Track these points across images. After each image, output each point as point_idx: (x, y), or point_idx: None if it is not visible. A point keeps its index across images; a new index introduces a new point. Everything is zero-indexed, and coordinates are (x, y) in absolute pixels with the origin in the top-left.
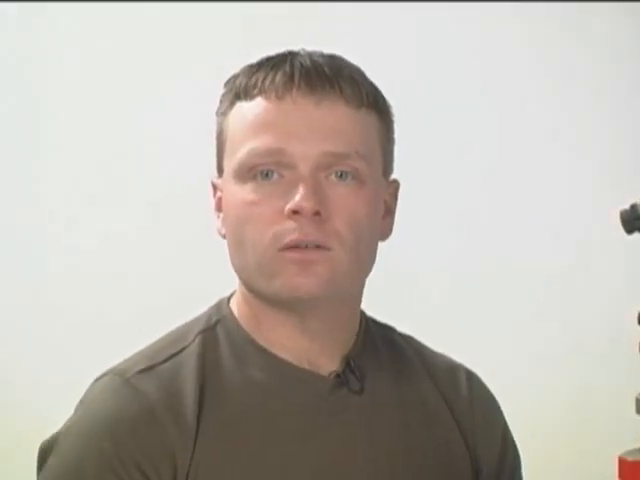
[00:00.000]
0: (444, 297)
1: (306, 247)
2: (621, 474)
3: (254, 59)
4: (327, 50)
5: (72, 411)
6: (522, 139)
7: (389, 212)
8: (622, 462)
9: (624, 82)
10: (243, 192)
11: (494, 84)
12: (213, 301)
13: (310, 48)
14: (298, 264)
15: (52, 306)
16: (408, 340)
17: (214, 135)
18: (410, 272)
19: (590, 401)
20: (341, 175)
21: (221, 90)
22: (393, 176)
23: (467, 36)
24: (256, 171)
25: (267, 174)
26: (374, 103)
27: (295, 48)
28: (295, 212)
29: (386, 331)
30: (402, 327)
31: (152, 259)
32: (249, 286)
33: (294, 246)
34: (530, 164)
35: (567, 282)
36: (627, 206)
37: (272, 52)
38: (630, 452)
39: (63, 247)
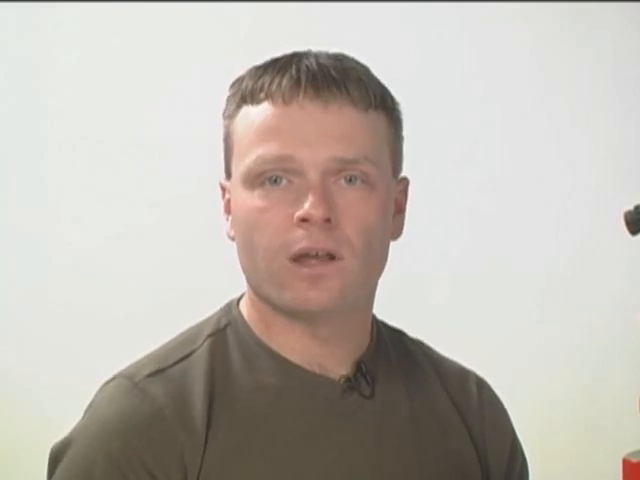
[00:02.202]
0: (444, 297)
1: (316, 256)
2: (625, 475)
3: (259, 60)
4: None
5: (73, 410)
6: (523, 140)
7: (399, 210)
8: (626, 463)
9: (626, 82)
10: (252, 198)
11: (495, 86)
12: (217, 301)
13: (313, 48)
14: (309, 279)
15: (56, 305)
16: (418, 345)
17: (220, 137)
18: (411, 273)
19: (592, 401)
20: (350, 179)
21: (226, 92)
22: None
23: (469, 36)
24: (264, 177)
25: (275, 180)
26: (382, 103)
27: (302, 49)
28: (304, 220)
29: (397, 335)
30: (404, 328)
31: (156, 259)
32: (258, 292)
33: (304, 254)
34: (531, 165)
35: (567, 282)
36: (631, 207)
37: (276, 53)
38: (634, 453)
39: (68, 246)
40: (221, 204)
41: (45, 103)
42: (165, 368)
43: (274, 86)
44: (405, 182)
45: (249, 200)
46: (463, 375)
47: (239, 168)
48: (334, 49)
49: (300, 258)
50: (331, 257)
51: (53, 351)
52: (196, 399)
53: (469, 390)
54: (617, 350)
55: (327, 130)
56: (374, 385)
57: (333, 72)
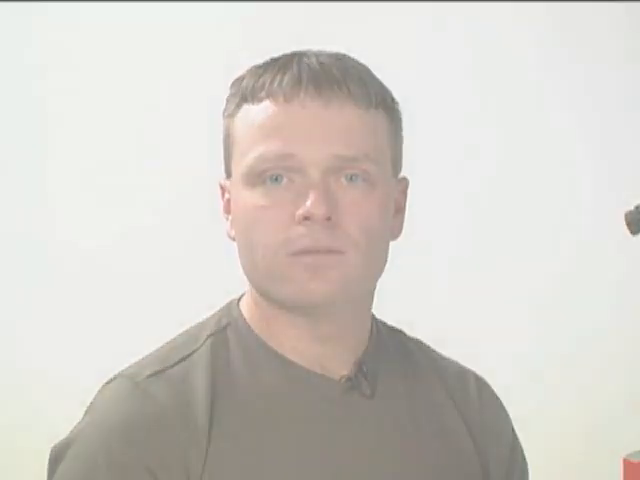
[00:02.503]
0: (444, 297)
1: (318, 252)
2: (625, 475)
3: (260, 60)
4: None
5: (73, 410)
6: (523, 140)
7: (399, 210)
8: (626, 463)
9: (626, 82)
10: (253, 197)
11: (495, 86)
12: (217, 301)
13: (313, 48)
14: (310, 269)
15: (56, 305)
16: (417, 344)
17: (221, 137)
18: (412, 272)
19: (592, 401)
20: (351, 178)
21: (226, 91)
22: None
23: (469, 36)
24: (265, 176)
25: (276, 178)
26: (382, 102)
27: (302, 49)
28: (306, 218)
29: (396, 334)
30: (404, 327)
31: (157, 259)
32: (259, 290)
33: (305, 251)
34: (531, 165)
35: (567, 282)
36: (631, 207)
37: (277, 53)
38: (634, 453)
39: (68, 246)
40: (221, 204)
41: (45, 103)
42: (166, 368)
43: (275, 84)
44: (405, 182)
45: (250, 199)
46: (462, 375)
47: (240, 167)
48: (334, 49)
49: (300, 253)
50: (332, 253)
51: (53, 351)
52: (198, 399)
53: (469, 390)
54: (617, 350)
55: (327, 128)
56: (374, 385)
57: (334, 70)
